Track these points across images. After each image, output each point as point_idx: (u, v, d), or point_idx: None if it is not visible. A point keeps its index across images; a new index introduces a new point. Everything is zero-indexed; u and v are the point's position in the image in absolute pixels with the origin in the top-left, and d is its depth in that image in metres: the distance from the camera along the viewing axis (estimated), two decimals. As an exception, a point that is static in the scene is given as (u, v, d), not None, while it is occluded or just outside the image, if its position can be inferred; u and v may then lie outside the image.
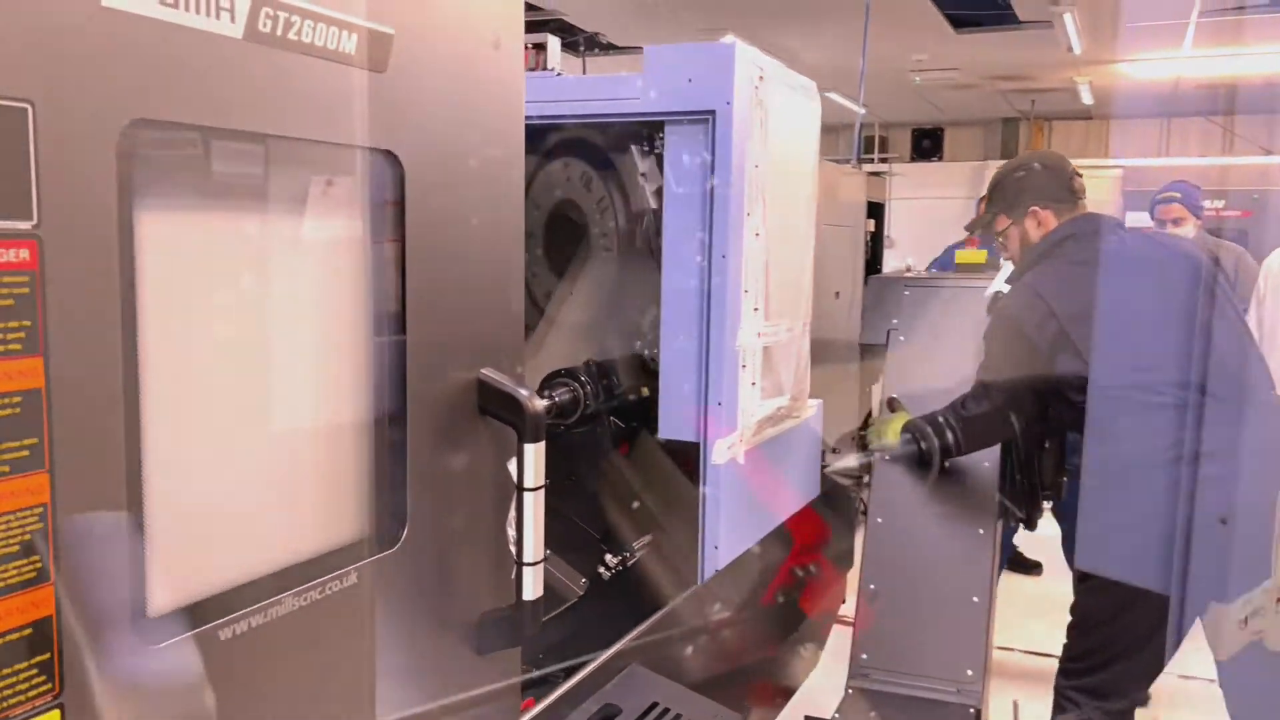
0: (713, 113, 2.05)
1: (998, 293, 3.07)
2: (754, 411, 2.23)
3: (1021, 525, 3.22)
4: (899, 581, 2.90)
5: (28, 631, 0.84)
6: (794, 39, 8.48)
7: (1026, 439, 2.89)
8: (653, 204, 2.30)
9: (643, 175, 2.31)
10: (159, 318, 0.96)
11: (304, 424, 1.19)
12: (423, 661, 1.32)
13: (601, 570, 2.32)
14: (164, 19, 0.92)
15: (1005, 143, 13.51)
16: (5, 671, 0.83)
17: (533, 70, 2.30)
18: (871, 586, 2.91)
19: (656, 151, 2.26)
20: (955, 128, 13.83)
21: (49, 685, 0.86)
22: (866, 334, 3.51)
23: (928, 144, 13.83)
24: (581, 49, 7.69)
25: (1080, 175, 2.92)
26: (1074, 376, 2.56)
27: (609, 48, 8.14)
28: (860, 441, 3.16)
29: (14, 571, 0.83)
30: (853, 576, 3.07)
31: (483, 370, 1.35)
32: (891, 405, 3.06)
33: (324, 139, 1.13)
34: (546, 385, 2.21)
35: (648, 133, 2.27)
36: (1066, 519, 4.04)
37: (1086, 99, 11.48)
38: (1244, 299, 4.18)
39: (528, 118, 1.43)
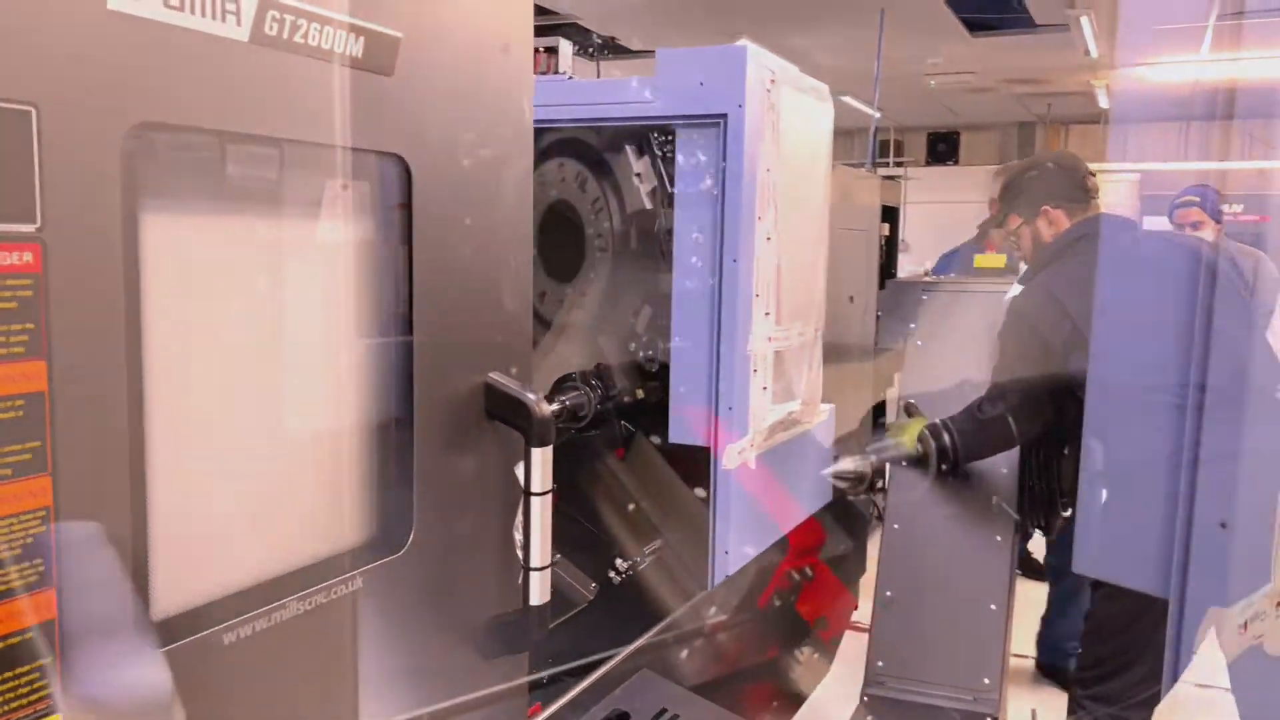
0: (724, 116, 2.04)
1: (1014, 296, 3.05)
2: (765, 416, 2.22)
3: (1039, 531, 3.19)
4: (915, 588, 2.87)
5: (30, 635, 0.84)
6: (808, 42, 8.47)
7: (1045, 444, 2.87)
8: (647, 205, 2.29)
9: (637, 175, 2.30)
10: (163, 321, 0.96)
11: (309, 427, 1.19)
12: (428, 666, 1.32)
13: (612, 575, 2.31)
14: (169, 22, 0.91)
15: (1021, 147, 13.42)
16: (7, 675, 0.83)
17: (544, 74, 2.30)
18: (888, 593, 2.88)
19: (653, 153, 2.24)
20: (971, 132, 13.78)
21: (51, 690, 0.86)
22: (883, 338, 3.50)
23: (943, 148, 13.79)
24: (594, 53, 7.70)
25: (1094, 175, 2.90)
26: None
27: (622, 51, 8.15)
28: (859, 444, 3.14)
29: (16, 575, 0.83)
30: (867, 583, 3.05)
31: (490, 374, 1.34)
32: (909, 410, 3.04)
33: (330, 143, 1.13)
34: (558, 389, 2.20)
35: (643, 133, 2.25)
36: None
37: (1103, 102, 11.41)
38: (1264, 303, 4.13)
39: (536, 121, 1.42)
